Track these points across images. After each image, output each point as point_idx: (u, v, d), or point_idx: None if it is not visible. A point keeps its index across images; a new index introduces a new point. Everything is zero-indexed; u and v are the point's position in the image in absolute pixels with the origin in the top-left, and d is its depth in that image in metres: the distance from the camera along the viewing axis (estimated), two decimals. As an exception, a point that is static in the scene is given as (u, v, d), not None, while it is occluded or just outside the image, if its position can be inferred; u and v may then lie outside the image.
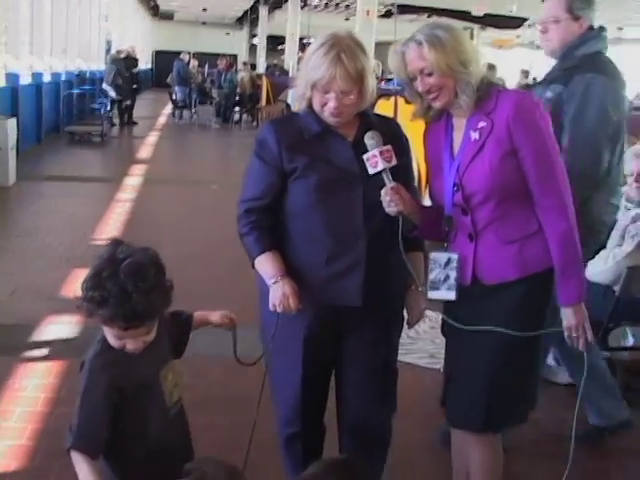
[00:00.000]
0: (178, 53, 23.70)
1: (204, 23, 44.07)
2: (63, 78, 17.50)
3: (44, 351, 4.86)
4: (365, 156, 2.66)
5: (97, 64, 23.57)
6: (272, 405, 2.98)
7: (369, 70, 2.70)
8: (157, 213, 9.71)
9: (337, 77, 2.62)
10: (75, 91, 18.39)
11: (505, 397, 2.80)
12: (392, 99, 8.49)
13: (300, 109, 2.83)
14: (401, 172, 2.74)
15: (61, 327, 5.23)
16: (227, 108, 22.26)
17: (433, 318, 5.63)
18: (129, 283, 2.11)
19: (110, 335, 2.22)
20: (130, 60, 20.07)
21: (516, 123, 2.60)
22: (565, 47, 3.76)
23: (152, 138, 17.77)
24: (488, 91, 2.68)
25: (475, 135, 2.67)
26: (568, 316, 2.70)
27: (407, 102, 8.73)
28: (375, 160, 2.64)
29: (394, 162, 2.66)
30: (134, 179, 11.77)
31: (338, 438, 3.06)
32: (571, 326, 2.70)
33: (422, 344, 5.28)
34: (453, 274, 2.78)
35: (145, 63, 34.97)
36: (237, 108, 22.49)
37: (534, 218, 2.68)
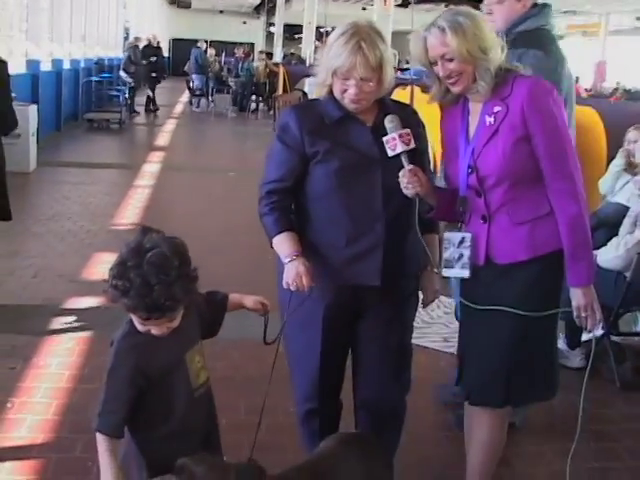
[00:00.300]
0: (195, 41, 23.74)
1: (221, 12, 44.16)
2: (82, 65, 17.63)
3: (67, 331, 4.97)
4: (385, 139, 2.75)
5: (115, 52, 23.73)
6: (285, 387, 3.08)
7: (388, 58, 2.78)
8: (175, 200, 9.82)
9: (357, 65, 2.70)
10: (94, 78, 18.53)
11: (524, 373, 2.88)
12: (408, 88, 8.57)
13: (320, 96, 2.92)
14: (418, 156, 2.83)
15: (84, 308, 5.37)
16: (244, 97, 22.36)
17: (447, 304, 5.77)
18: (152, 275, 2.15)
19: (135, 320, 2.29)
20: (150, 48, 20.15)
21: (530, 109, 2.67)
22: (508, 25, 3.85)
23: (170, 126, 17.91)
24: (505, 77, 2.75)
25: (490, 120, 2.75)
26: (577, 297, 2.77)
27: (423, 91, 8.84)
28: (394, 143, 2.73)
29: (412, 145, 2.75)
30: (152, 166, 11.91)
31: (354, 414, 3.16)
32: (580, 306, 2.77)
33: (436, 328, 5.39)
34: (467, 253, 2.87)
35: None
36: (254, 97, 22.58)
37: (545, 201, 2.76)
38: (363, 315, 2.98)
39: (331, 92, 2.84)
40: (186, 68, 22.88)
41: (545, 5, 3.95)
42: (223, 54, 29.73)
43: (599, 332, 4.98)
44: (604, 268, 4.73)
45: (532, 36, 3.79)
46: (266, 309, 2.73)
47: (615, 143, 6.79)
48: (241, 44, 31.38)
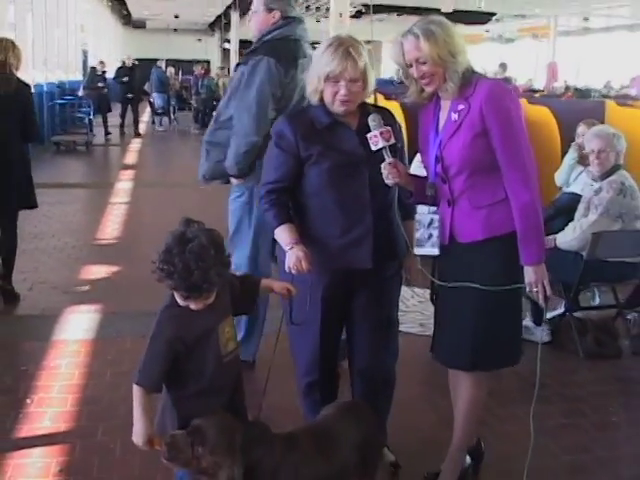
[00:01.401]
0: (152, 60, 23.95)
1: (175, 30, 44.39)
2: (45, 89, 17.80)
3: (71, 335, 5.31)
4: (368, 135, 3.16)
5: (75, 75, 23.90)
6: (285, 372, 3.45)
7: (370, 65, 3.22)
8: (152, 214, 10.15)
9: (348, 67, 3.13)
10: (58, 102, 18.71)
11: (489, 340, 3.26)
12: (372, 95, 9.02)
13: (311, 103, 3.33)
14: (396, 150, 3.25)
15: (82, 315, 5.73)
16: (205, 114, 22.64)
17: (421, 294, 6.20)
18: (192, 262, 2.54)
19: (177, 296, 2.66)
20: (124, 69, 20.22)
21: (488, 107, 3.06)
22: (259, 34, 4.46)
23: (135, 145, 18.19)
24: (470, 78, 3.15)
25: (455, 116, 3.15)
26: (529, 274, 3.15)
27: (386, 98, 9.32)
28: (376, 139, 3.15)
29: (392, 141, 3.16)
30: (125, 184, 12.25)
31: (350, 384, 3.57)
32: (532, 282, 3.15)
33: (413, 315, 5.82)
34: (435, 232, 3.30)
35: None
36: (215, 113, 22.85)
37: (502, 188, 3.13)
38: (355, 294, 3.40)
39: (321, 99, 3.25)
40: (146, 87, 23.10)
41: (294, 18, 4.50)
42: (180, 72, 30.03)
43: (561, 309, 5.47)
44: (563, 250, 5.19)
45: (272, 45, 4.39)
46: (290, 293, 3.11)
47: (568, 138, 7.27)
48: (197, 62, 31.64)
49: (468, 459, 3.52)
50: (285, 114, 3.61)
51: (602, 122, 7.58)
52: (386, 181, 3.16)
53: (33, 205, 6.30)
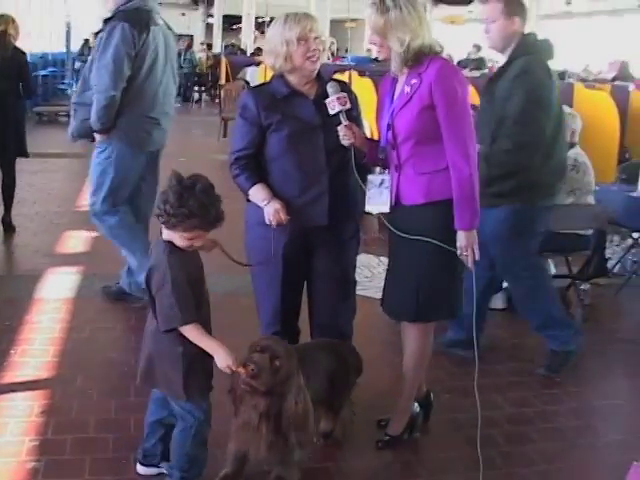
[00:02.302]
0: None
1: (160, 4, 44.18)
2: (29, 60, 17.85)
3: (52, 294, 5.59)
4: (326, 100, 3.48)
5: (58, 46, 23.93)
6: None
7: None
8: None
9: (314, 26, 3.52)
10: (42, 73, 18.81)
11: (430, 294, 3.56)
12: (347, 73, 9.35)
13: (274, 69, 3.65)
14: (352, 115, 3.57)
15: (62, 276, 5.99)
16: (187, 88, 22.79)
17: (386, 262, 6.48)
18: (206, 199, 2.93)
19: (182, 239, 2.96)
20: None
21: (436, 84, 3.35)
22: (115, 6, 5.05)
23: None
24: (423, 57, 3.41)
25: (407, 89, 3.43)
26: (460, 238, 3.43)
27: (360, 75, 9.62)
28: (334, 104, 3.47)
29: (348, 105, 3.49)
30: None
31: (310, 337, 3.88)
32: (462, 246, 3.43)
33: (376, 282, 6.10)
34: (386, 192, 3.60)
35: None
36: (197, 88, 23.02)
37: (443, 159, 3.41)
38: (315, 253, 3.72)
39: (281, 74, 3.59)
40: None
41: None
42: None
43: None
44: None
45: (128, 13, 4.98)
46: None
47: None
48: (180, 36, 31.64)
49: (417, 407, 3.84)
50: (248, 88, 3.92)
51: (570, 103, 7.88)
52: (342, 142, 3.48)
53: (25, 154, 7.50)
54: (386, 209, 3.60)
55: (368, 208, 3.70)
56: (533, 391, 4.45)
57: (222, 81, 20.66)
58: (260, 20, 35.42)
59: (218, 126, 14.99)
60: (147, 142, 5.25)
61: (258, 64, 18.62)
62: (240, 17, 33.36)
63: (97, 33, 5.13)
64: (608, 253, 6.68)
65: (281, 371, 3.03)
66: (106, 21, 5.06)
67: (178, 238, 2.98)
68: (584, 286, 5.95)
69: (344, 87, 3.63)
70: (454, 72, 3.47)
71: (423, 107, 3.38)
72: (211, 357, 3.01)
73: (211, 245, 3.32)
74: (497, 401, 4.23)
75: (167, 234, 3.02)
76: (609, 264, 6.62)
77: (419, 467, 3.62)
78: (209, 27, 40.75)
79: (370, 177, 3.66)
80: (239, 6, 31.70)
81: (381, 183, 3.62)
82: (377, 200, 3.62)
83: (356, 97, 3.70)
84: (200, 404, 3.12)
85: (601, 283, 6.30)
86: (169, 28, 5.42)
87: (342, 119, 3.48)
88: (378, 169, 3.83)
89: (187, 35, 36.60)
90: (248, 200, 3.67)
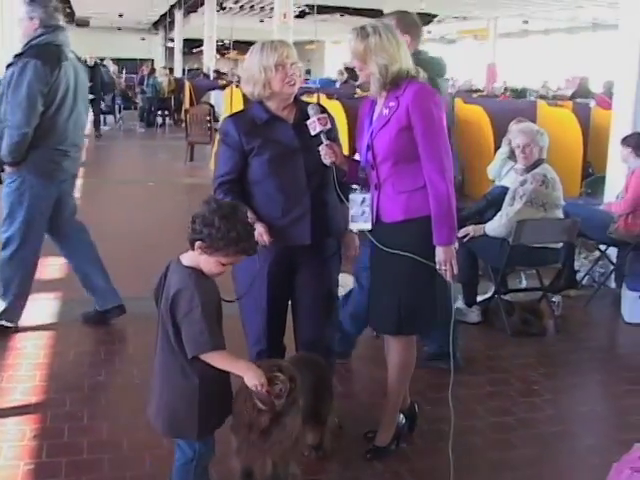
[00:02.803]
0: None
1: (119, 29, 44.38)
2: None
3: (35, 320, 5.59)
4: (307, 122, 3.61)
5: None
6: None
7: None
8: (104, 208, 10.42)
9: (290, 53, 3.64)
10: None
11: (412, 308, 3.67)
12: (315, 95, 9.48)
13: (252, 96, 3.76)
14: (332, 136, 3.70)
15: (44, 302, 6.02)
16: (151, 112, 22.81)
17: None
18: (249, 226, 3.01)
19: (217, 264, 2.96)
20: None
21: (413, 106, 3.50)
22: (26, 40, 5.17)
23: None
24: (401, 81, 3.56)
25: (386, 111, 3.58)
26: (439, 253, 3.56)
27: (328, 97, 9.76)
28: (314, 124, 3.60)
29: (329, 126, 3.63)
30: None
31: (296, 353, 3.97)
32: (441, 261, 3.56)
33: (353, 298, 6.23)
34: (367, 209, 3.73)
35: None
36: (160, 112, 23.01)
37: (421, 177, 3.55)
38: (298, 271, 3.82)
39: (260, 100, 3.71)
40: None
41: (58, 27, 5.26)
42: (124, 71, 30.09)
43: (491, 292, 5.95)
44: (491, 237, 5.66)
45: (38, 49, 5.10)
46: None
47: (501, 135, 7.76)
48: (141, 60, 31.70)
49: (403, 419, 3.95)
50: (229, 115, 4.01)
51: (534, 121, 8.10)
52: (324, 161, 3.60)
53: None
54: (369, 227, 3.72)
55: (351, 226, 3.82)
56: (512, 400, 4.58)
57: (187, 105, 20.74)
58: (220, 43, 35.68)
59: (184, 150, 15.09)
60: (56, 173, 5.32)
61: (222, 87, 18.74)
62: (200, 40, 33.51)
63: (8, 66, 5.18)
64: (577, 265, 6.89)
65: (293, 393, 3.11)
66: (17, 56, 5.16)
67: (213, 263, 2.97)
68: (555, 298, 6.12)
69: (323, 109, 3.76)
70: (430, 95, 3.61)
71: (401, 128, 3.52)
72: (230, 393, 3.09)
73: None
74: (477, 411, 4.36)
75: (192, 259, 3.00)
76: (578, 276, 6.83)
77: (408, 476, 3.72)
78: (168, 51, 40.89)
79: (352, 196, 3.78)
80: (199, 30, 31.83)
81: (362, 201, 3.74)
82: (360, 218, 3.75)
83: (333, 119, 3.83)
84: (207, 439, 3.12)
85: (571, 295, 6.49)
86: (79, 60, 5.57)
87: (323, 139, 3.61)
88: (358, 188, 3.95)
89: (148, 59, 36.79)
90: None
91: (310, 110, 3.65)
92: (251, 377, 2.95)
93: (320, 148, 3.60)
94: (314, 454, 3.75)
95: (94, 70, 19.62)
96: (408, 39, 4.54)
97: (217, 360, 2.94)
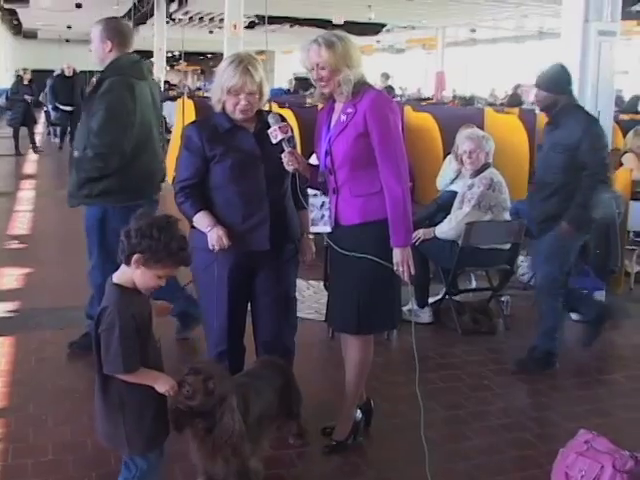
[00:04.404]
0: (44, 71, 23.56)
1: (67, 40, 44.05)
2: None
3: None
4: (269, 131, 3.73)
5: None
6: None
7: (265, 78, 3.80)
8: (58, 220, 10.48)
9: (247, 82, 3.71)
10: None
11: (370, 308, 3.82)
12: (267, 104, 9.60)
13: (215, 106, 3.85)
14: (292, 143, 3.81)
15: (3, 311, 6.08)
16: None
17: (316, 285, 6.76)
18: (183, 236, 3.01)
19: (153, 278, 2.95)
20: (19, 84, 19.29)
21: (370, 112, 3.64)
22: None
23: (33, 156, 18.13)
24: (360, 88, 3.71)
25: (343, 117, 3.72)
26: (397, 255, 3.71)
27: (280, 106, 9.92)
28: (276, 133, 3.72)
29: (290, 134, 3.76)
30: (27, 193, 12.48)
31: (256, 353, 4.10)
32: (398, 262, 3.71)
33: (309, 304, 6.39)
34: (327, 213, 3.90)
35: (8, 83, 34.36)
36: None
37: (378, 182, 3.70)
38: (257, 274, 3.95)
39: (224, 108, 3.81)
40: (41, 98, 22.69)
41: None
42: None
43: (442, 293, 6.13)
44: (442, 239, 5.84)
45: None
46: (167, 311, 3.52)
47: (450, 141, 7.89)
48: (90, 72, 31.43)
49: (359, 414, 4.09)
50: (192, 122, 4.11)
51: (481, 127, 8.30)
52: (287, 167, 3.72)
53: None
54: (328, 229, 3.87)
55: (312, 229, 3.96)
56: (463, 395, 4.77)
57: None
58: (170, 55, 35.59)
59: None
60: None
61: (173, 99, 18.73)
62: (150, 52, 33.42)
63: None
64: (524, 266, 7.11)
65: (215, 392, 3.15)
66: None
67: (150, 277, 2.96)
68: (504, 298, 6.32)
69: (283, 118, 3.88)
70: (386, 101, 3.77)
71: (358, 134, 3.66)
72: (165, 405, 3.07)
73: (165, 310, 3.44)
74: (432, 405, 4.49)
75: (122, 276, 2.99)
76: (526, 277, 7.04)
77: (366, 468, 3.87)
78: (119, 63, 40.62)
79: (311, 200, 3.93)
80: (149, 41, 31.72)
81: (322, 205, 3.90)
82: (319, 222, 3.90)
83: (292, 128, 3.96)
84: (145, 455, 3.08)
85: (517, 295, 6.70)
86: None
87: (285, 147, 3.72)
88: (313, 192, 4.08)
89: (98, 71, 36.49)
90: (192, 227, 3.89)
91: (271, 119, 3.76)
92: (160, 384, 2.97)
93: (282, 155, 3.71)
94: (299, 442, 3.98)
95: (71, 80, 19.54)
96: (109, 45, 4.88)
97: (130, 378, 2.95)
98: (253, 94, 3.75)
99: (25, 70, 19.65)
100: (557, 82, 5.05)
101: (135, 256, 2.91)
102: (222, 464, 3.34)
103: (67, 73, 19.58)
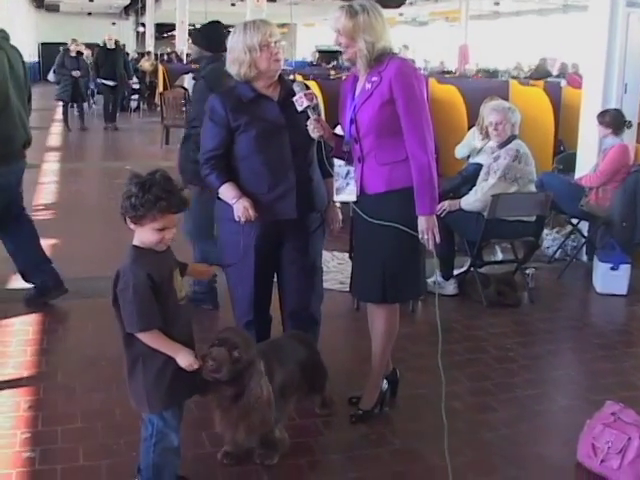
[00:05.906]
0: (65, 44, 23.56)
1: (89, 14, 44.01)
2: None
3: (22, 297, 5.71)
4: (294, 98, 3.73)
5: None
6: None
7: None
8: (84, 191, 10.56)
9: (272, 31, 3.79)
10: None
11: (395, 277, 3.82)
12: (292, 76, 9.64)
13: (238, 76, 3.86)
14: (318, 111, 3.80)
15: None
16: (124, 97, 22.66)
17: (340, 257, 6.77)
18: (168, 185, 2.95)
19: (153, 232, 2.97)
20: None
21: (396, 80, 3.63)
22: None
23: (55, 128, 18.15)
24: (384, 57, 3.70)
25: (368, 86, 3.71)
26: (422, 223, 3.70)
27: (305, 78, 9.92)
28: (302, 100, 3.71)
29: (315, 101, 3.75)
30: (52, 165, 12.52)
31: (282, 324, 4.13)
32: (423, 230, 3.70)
33: (333, 275, 6.41)
34: (352, 182, 3.88)
35: (29, 56, 34.48)
36: (134, 96, 22.89)
37: (403, 150, 3.69)
38: (284, 244, 3.96)
39: (247, 79, 3.82)
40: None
41: None
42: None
43: (467, 265, 6.12)
44: (467, 211, 5.82)
45: None
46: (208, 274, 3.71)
47: (475, 113, 7.88)
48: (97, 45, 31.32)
49: (385, 384, 4.11)
50: (216, 92, 4.09)
51: (506, 99, 8.26)
52: (312, 135, 3.72)
53: None
54: (354, 198, 3.86)
55: (337, 198, 3.96)
56: (489, 366, 4.76)
57: (160, 89, 20.66)
58: (192, 27, 35.51)
59: (160, 133, 15.14)
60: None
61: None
62: (171, 25, 33.36)
63: None
64: (550, 239, 7.10)
65: (241, 360, 3.18)
66: None
67: (148, 232, 2.98)
68: (529, 270, 6.30)
69: (307, 87, 3.88)
70: (411, 69, 3.76)
71: (383, 102, 3.65)
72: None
73: (204, 272, 3.55)
74: (457, 376, 4.51)
75: (137, 236, 3.02)
76: (551, 250, 7.03)
77: (392, 437, 3.88)
78: (140, 36, 40.64)
79: (336, 169, 3.92)
80: (171, 14, 31.66)
81: (347, 174, 3.89)
82: (344, 190, 3.89)
83: (316, 96, 3.95)
84: (161, 413, 3.10)
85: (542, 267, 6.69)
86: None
87: (310, 114, 3.72)
88: (338, 161, 4.06)
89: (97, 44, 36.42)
90: (218, 198, 3.89)
91: (296, 87, 3.77)
92: (182, 358, 2.98)
93: (308, 123, 3.71)
94: (325, 411, 4.02)
95: (114, 53, 18.39)
96: None
97: (149, 340, 2.98)
98: (280, 41, 3.82)
99: (74, 41, 18.38)
100: None
101: (127, 219, 2.98)
102: (245, 434, 3.37)
103: (109, 45, 18.39)
